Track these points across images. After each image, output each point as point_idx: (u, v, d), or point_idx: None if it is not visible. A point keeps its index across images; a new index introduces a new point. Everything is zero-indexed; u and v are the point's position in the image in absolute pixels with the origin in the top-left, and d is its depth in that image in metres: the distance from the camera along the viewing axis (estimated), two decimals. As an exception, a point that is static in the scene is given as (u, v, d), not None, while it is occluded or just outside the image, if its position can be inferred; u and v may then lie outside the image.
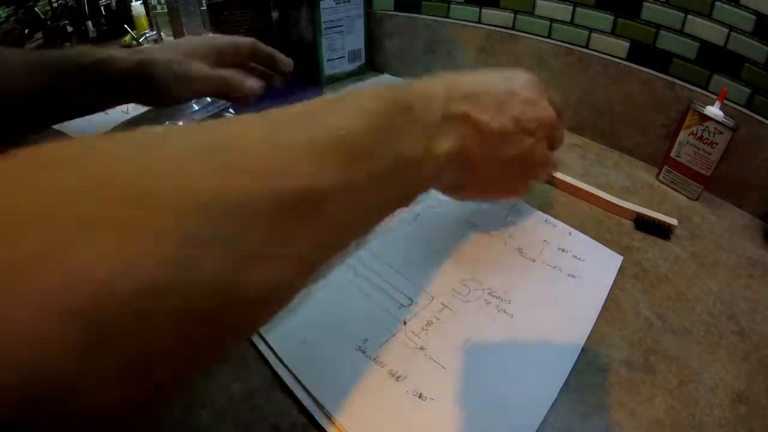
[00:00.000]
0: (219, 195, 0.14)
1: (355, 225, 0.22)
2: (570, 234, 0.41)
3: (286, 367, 0.29)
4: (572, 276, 0.36)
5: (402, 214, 0.42)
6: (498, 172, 0.32)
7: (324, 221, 0.19)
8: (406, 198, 0.26)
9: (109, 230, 0.12)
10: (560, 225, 0.42)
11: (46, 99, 0.40)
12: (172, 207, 0.13)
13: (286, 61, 0.52)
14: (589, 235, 0.41)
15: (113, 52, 0.41)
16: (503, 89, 0.31)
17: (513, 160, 0.31)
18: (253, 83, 0.46)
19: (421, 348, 0.30)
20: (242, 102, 0.47)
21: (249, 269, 0.15)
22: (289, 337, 0.31)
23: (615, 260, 0.38)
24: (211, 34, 0.47)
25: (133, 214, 0.13)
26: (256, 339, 0.31)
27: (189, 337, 0.14)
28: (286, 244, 0.17)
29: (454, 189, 0.34)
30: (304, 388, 0.28)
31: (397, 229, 0.40)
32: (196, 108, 0.63)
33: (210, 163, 0.15)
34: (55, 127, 0.54)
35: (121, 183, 0.13)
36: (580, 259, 0.38)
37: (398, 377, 0.29)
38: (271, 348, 0.30)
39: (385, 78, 0.77)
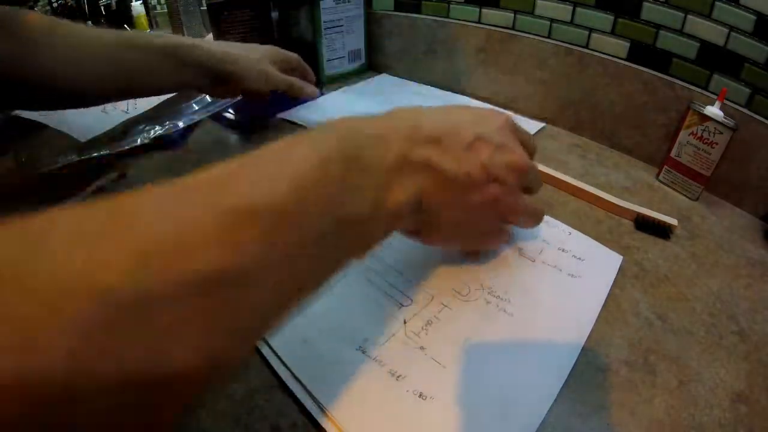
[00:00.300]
0: (118, 284, 0.13)
1: (293, 291, 0.20)
2: (570, 234, 0.41)
3: (286, 366, 0.29)
4: (572, 276, 0.36)
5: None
6: (463, 221, 0.30)
7: (248, 299, 0.16)
8: (356, 252, 0.24)
9: (9, 326, 0.12)
10: (560, 225, 0.42)
11: (139, 74, 0.44)
12: (71, 300, 0.12)
13: (312, 80, 0.59)
14: (589, 235, 0.41)
15: (198, 41, 0.47)
16: (472, 132, 0.28)
17: (480, 208, 0.29)
18: (312, 89, 0.56)
19: (422, 348, 0.30)
20: (298, 100, 0.59)
21: (169, 350, 0.14)
22: (289, 337, 0.31)
23: (615, 260, 0.38)
24: (270, 46, 0.55)
25: (35, 311, 0.12)
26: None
27: (120, 420, 0.13)
28: (208, 327, 0.15)
29: (414, 235, 0.31)
30: (304, 387, 0.28)
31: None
32: (197, 108, 0.63)
33: (104, 249, 0.14)
34: (60, 128, 0.54)
35: (14, 282, 0.12)
36: (580, 258, 0.38)
37: (398, 377, 0.29)
38: (271, 348, 0.30)
39: (385, 78, 0.77)
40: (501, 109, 0.34)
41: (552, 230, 0.41)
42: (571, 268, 0.37)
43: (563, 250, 0.39)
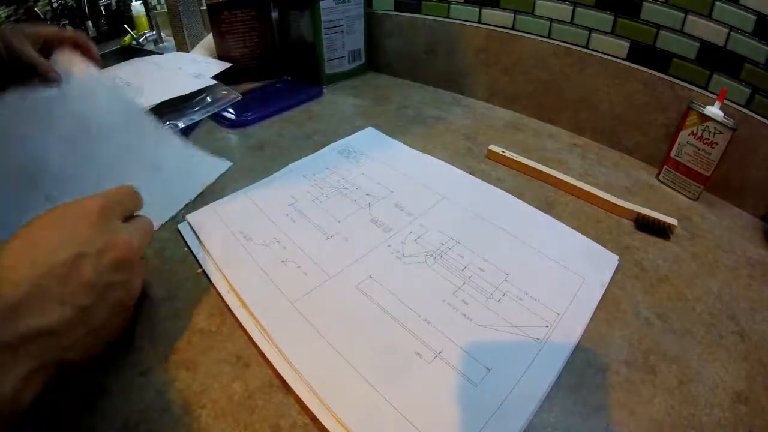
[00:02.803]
0: None
1: None
2: (567, 233, 0.41)
3: (289, 364, 0.29)
4: (567, 274, 0.36)
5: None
6: (96, 327, 0.27)
7: None
8: None
9: None
10: (558, 224, 0.42)
11: None
12: None
13: (91, 55, 0.49)
14: (588, 236, 0.41)
15: None
16: (66, 255, 0.24)
17: (108, 312, 0.27)
18: (51, 74, 0.44)
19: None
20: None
21: None
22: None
23: (611, 260, 0.38)
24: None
25: None
26: (258, 336, 0.31)
27: None
28: None
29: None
30: (307, 385, 0.28)
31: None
32: (197, 108, 0.63)
33: None
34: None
35: None
36: (576, 258, 0.38)
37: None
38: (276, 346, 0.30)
39: (383, 78, 0.77)
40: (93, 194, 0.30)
41: (549, 229, 0.41)
42: (567, 267, 0.37)
43: (561, 249, 0.39)
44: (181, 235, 0.41)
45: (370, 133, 0.58)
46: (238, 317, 0.33)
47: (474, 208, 0.44)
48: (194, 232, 0.41)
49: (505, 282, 0.36)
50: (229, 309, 0.34)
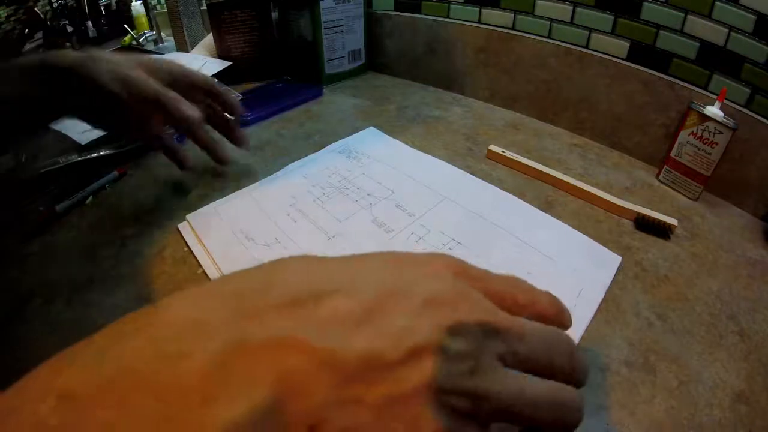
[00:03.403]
0: None
1: None
2: (568, 234, 0.41)
3: None
4: (569, 275, 0.36)
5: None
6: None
7: None
8: None
9: None
10: (560, 224, 0.42)
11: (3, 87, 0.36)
12: None
13: (237, 107, 0.46)
14: (588, 236, 0.41)
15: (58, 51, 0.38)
16: (386, 287, 0.17)
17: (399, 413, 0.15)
18: (191, 110, 0.41)
19: None
20: (178, 129, 0.44)
21: None
22: None
23: (613, 261, 0.38)
24: (155, 58, 0.44)
25: None
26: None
27: None
28: None
29: None
30: None
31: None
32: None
33: None
34: (60, 130, 0.53)
35: None
36: (578, 258, 0.38)
37: None
38: None
39: (383, 78, 0.77)
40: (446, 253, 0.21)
41: (551, 229, 0.41)
42: (568, 267, 0.37)
43: (562, 250, 0.39)
44: (181, 235, 0.41)
45: (371, 132, 0.58)
46: None
47: (475, 208, 0.44)
48: (194, 231, 0.41)
49: None
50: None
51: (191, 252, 0.39)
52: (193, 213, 0.43)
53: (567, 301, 0.33)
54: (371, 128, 0.59)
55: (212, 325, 0.15)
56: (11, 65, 0.37)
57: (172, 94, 0.40)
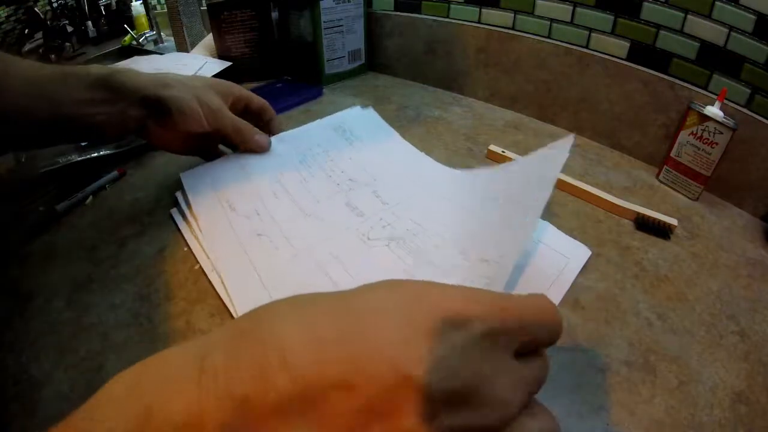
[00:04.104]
0: None
1: None
2: (542, 227, 0.41)
3: None
4: (539, 261, 0.37)
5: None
6: None
7: None
8: None
9: None
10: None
11: (68, 106, 0.36)
12: None
13: (271, 119, 0.49)
14: (588, 235, 0.41)
15: (134, 69, 0.40)
16: (387, 368, 0.15)
17: None
18: (263, 139, 0.45)
19: None
20: (246, 151, 0.46)
21: None
22: None
23: (583, 252, 0.39)
24: (221, 80, 0.45)
25: None
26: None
27: None
28: None
29: None
30: None
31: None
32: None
33: None
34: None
35: None
36: (550, 247, 0.39)
37: None
38: None
39: (383, 78, 0.77)
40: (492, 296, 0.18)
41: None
42: (539, 255, 0.38)
43: (536, 242, 0.40)
44: (174, 221, 0.41)
45: (369, 115, 0.57)
46: (225, 302, 0.34)
47: (451, 198, 0.44)
48: (184, 192, 0.42)
49: (464, 261, 0.36)
50: (228, 311, 0.34)
51: (191, 251, 0.39)
52: (186, 172, 0.44)
53: (532, 288, 0.34)
54: (371, 110, 0.58)
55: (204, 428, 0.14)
56: (79, 73, 0.37)
57: (247, 126, 0.44)
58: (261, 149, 0.45)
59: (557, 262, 0.38)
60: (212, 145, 0.47)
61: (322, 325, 0.16)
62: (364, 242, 0.39)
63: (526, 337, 0.18)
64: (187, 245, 0.40)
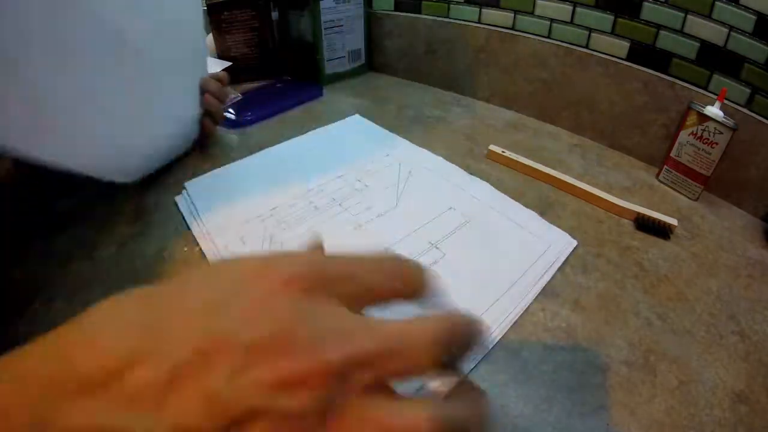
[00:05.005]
0: None
1: None
2: (528, 216, 0.43)
3: None
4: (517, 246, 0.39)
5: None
6: None
7: None
8: None
9: None
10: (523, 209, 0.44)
11: None
12: None
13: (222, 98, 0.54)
14: (588, 235, 0.41)
15: None
16: (193, 334, 0.15)
17: None
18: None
19: None
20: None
21: None
22: None
23: (569, 243, 0.40)
24: None
25: None
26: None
27: None
28: None
29: None
30: None
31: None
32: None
33: None
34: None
35: None
36: (533, 234, 0.40)
37: None
38: None
39: (383, 78, 0.77)
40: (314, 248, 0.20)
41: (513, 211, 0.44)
42: (520, 239, 0.40)
43: (519, 225, 0.41)
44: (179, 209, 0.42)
45: (377, 130, 0.58)
46: None
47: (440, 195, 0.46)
48: (192, 202, 0.44)
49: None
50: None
51: (195, 251, 0.39)
52: (192, 182, 0.46)
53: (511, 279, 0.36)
54: (356, 116, 0.61)
55: (14, 420, 0.13)
56: None
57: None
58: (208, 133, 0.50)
59: (536, 248, 0.39)
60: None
61: (128, 308, 0.16)
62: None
63: (348, 286, 0.17)
64: (187, 245, 0.40)
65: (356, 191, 0.46)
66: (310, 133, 0.58)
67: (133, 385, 0.14)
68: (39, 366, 0.15)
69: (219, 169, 0.49)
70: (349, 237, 0.40)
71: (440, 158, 0.51)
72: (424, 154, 0.52)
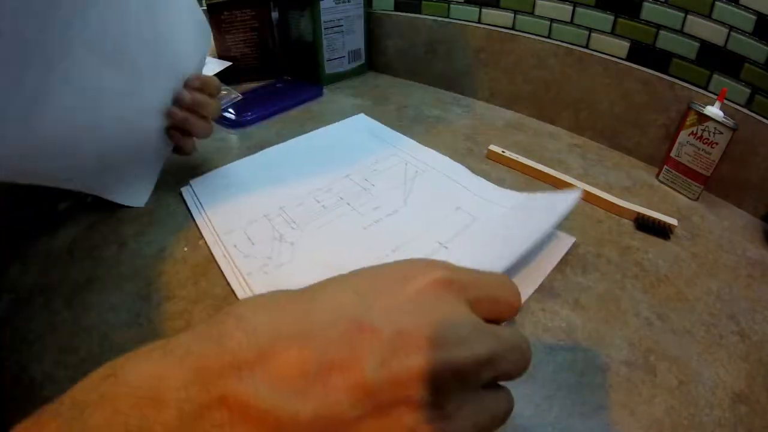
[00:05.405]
0: None
1: None
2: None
3: None
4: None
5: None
6: None
7: None
8: None
9: None
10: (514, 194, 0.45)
11: None
12: None
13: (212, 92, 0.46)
14: (588, 236, 0.41)
15: None
16: (340, 317, 0.16)
17: None
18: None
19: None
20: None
21: None
22: None
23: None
24: None
25: None
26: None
27: None
28: None
29: None
30: None
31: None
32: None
33: None
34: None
35: None
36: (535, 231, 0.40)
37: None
38: None
39: (383, 78, 0.77)
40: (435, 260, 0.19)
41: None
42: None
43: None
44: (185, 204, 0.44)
45: (382, 129, 0.59)
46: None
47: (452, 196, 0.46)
48: (197, 198, 0.45)
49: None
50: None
51: (191, 249, 0.39)
52: (197, 180, 0.47)
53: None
54: (361, 115, 0.62)
55: (168, 393, 0.14)
56: None
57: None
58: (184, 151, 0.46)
59: (538, 244, 0.39)
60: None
61: (280, 303, 0.17)
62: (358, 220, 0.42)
63: (479, 293, 0.19)
64: (188, 245, 0.40)
65: (364, 191, 0.46)
66: (314, 131, 0.58)
67: (282, 367, 0.14)
68: (194, 345, 0.16)
69: (224, 167, 0.49)
70: (359, 235, 0.40)
71: (446, 158, 0.51)
72: (431, 153, 0.52)
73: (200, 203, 0.44)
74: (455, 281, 0.18)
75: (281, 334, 0.15)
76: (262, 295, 0.18)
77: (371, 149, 0.53)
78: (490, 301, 0.19)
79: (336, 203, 0.44)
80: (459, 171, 0.49)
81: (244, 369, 0.14)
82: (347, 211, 0.43)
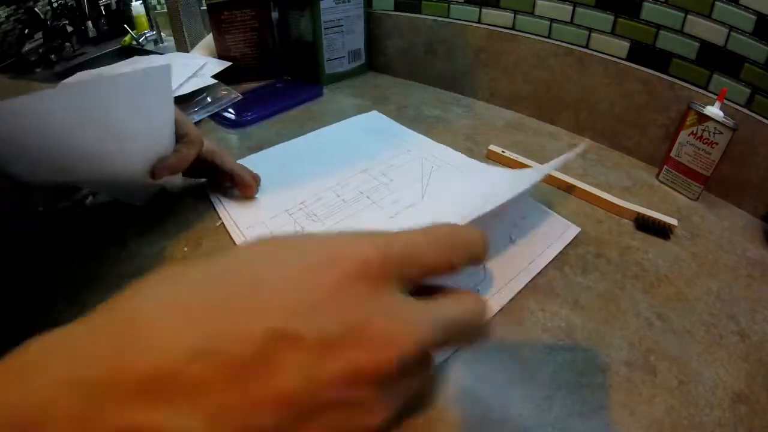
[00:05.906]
0: None
1: None
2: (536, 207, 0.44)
3: None
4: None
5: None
6: None
7: None
8: None
9: None
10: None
11: None
12: None
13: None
14: (588, 236, 0.41)
15: None
16: (260, 332, 0.14)
17: None
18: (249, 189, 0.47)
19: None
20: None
21: None
22: None
23: (572, 231, 0.41)
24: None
25: None
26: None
27: None
28: None
29: None
30: None
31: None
32: (196, 108, 0.63)
33: None
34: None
35: None
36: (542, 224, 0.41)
37: None
38: None
39: (383, 78, 0.77)
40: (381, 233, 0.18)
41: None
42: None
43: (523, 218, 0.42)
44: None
45: (396, 127, 0.59)
46: None
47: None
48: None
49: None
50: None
51: (191, 249, 0.39)
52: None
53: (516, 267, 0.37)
54: (374, 112, 0.62)
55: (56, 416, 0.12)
56: None
57: (243, 171, 0.46)
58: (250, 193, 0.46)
59: (545, 238, 0.40)
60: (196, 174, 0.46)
61: (185, 295, 0.15)
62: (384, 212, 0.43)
63: (413, 265, 0.17)
64: (188, 245, 0.40)
65: (382, 185, 0.47)
66: (329, 127, 0.59)
67: (192, 385, 0.13)
68: (90, 363, 0.14)
69: (239, 161, 0.49)
70: (383, 227, 0.40)
71: (461, 154, 0.52)
72: (446, 150, 0.53)
73: (220, 199, 0.45)
74: (387, 257, 0.16)
75: (186, 347, 0.13)
76: (165, 283, 0.16)
77: (387, 145, 0.54)
78: (426, 270, 0.18)
79: (356, 197, 0.45)
80: (474, 166, 0.50)
81: (153, 396, 0.13)
82: (368, 204, 0.44)
